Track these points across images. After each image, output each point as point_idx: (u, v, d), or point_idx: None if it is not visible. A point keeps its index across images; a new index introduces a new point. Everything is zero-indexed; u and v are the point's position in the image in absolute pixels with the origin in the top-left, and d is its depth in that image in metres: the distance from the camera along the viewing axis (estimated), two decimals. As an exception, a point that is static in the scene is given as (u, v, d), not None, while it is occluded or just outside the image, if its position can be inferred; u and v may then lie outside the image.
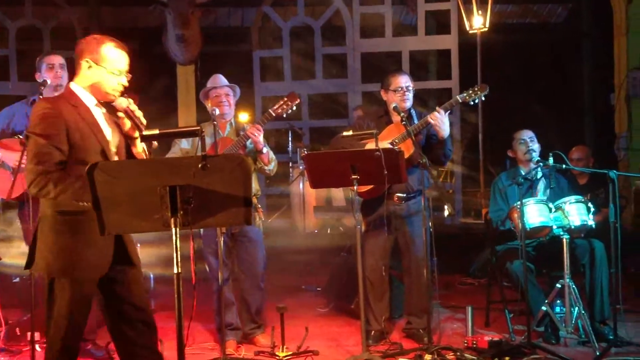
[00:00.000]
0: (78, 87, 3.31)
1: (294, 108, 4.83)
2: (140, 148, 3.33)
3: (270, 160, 4.86)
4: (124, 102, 3.26)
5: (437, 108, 4.79)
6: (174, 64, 9.23)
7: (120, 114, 3.28)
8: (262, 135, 4.72)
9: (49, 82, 4.62)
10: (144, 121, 3.26)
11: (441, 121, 4.74)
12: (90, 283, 3.25)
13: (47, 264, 3.19)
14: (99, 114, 3.31)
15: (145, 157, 3.33)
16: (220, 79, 5.00)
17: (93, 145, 3.20)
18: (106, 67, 3.28)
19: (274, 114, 4.77)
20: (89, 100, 3.30)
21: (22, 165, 4.28)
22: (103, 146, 3.24)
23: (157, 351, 3.41)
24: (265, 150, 4.78)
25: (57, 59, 4.77)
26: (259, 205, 4.98)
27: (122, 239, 3.27)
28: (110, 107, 3.36)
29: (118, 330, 3.37)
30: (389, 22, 9.83)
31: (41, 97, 4.52)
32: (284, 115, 4.84)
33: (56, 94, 4.73)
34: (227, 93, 4.93)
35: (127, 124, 3.28)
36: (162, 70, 9.66)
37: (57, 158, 3.09)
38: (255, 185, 4.90)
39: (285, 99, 4.81)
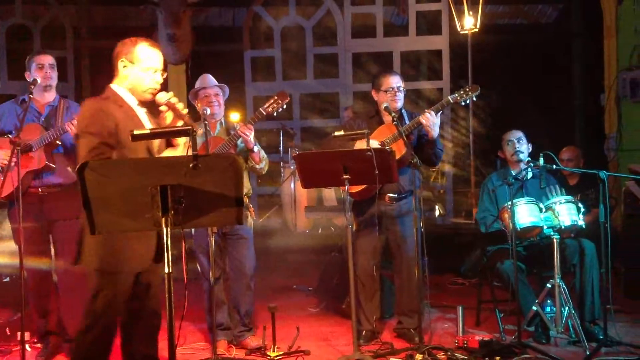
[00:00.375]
0: (119, 87, 3.43)
1: (284, 107, 4.81)
2: (181, 141, 3.40)
3: (261, 159, 4.86)
4: (164, 96, 3.37)
5: (427, 110, 4.80)
6: (165, 63, 9.20)
7: (162, 108, 3.37)
8: (252, 134, 4.71)
9: (39, 81, 4.60)
10: (185, 111, 3.34)
11: (432, 122, 4.75)
12: (132, 276, 3.35)
13: (97, 258, 3.27)
14: (142, 114, 3.44)
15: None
16: (209, 79, 4.99)
17: (139, 144, 3.29)
18: (140, 65, 3.40)
19: (264, 113, 4.76)
20: (131, 100, 3.43)
21: (12, 164, 4.26)
22: (148, 144, 3.33)
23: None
24: (256, 149, 4.77)
25: (47, 59, 4.73)
26: (251, 205, 4.98)
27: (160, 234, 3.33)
28: (150, 107, 3.48)
29: (129, 324, 3.47)
30: (380, 23, 9.84)
31: (31, 95, 4.50)
32: (275, 114, 4.84)
33: (46, 94, 4.72)
34: (216, 93, 4.92)
35: (169, 117, 3.38)
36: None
37: (108, 155, 3.19)
38: (247, 185, 4.90)
39: (276, 97, 4.80)
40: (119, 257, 3.28)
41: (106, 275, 3.30)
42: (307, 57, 9.91)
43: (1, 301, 5.67)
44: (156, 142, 3.42)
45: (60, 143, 4.63)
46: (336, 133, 4.72)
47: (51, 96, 4.77)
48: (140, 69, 3.41)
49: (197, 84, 5.01)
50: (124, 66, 3.42)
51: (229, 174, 2.60)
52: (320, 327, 5.53)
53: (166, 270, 2.63)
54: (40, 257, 4.67)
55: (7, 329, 5.10)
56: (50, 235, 4.70)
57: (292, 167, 8.54)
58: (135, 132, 2.85)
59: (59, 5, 10.00)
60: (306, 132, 9.89)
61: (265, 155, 4.93)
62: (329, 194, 8.49)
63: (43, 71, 4.68)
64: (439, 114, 4.82)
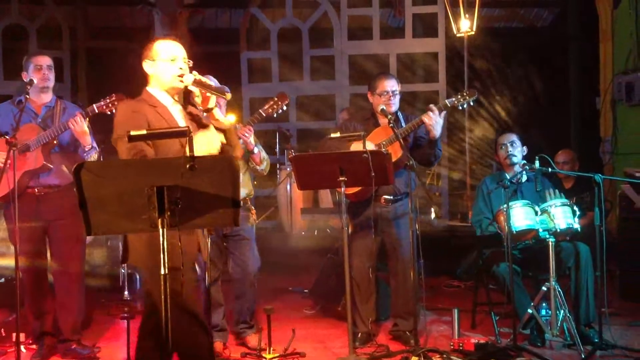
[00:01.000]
0: (152, 88, 3.51)
1: (284, 108, 4.82)
2: (219, 115, 3.45)
3: (262, 160, 4.87)
4: (190, 78, 3.41)
5: (432, 107, 4.80)
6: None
7: (192, 89, 3.41)
8: (253, 136, 4.71)
9: (35, 81, 4.59)
10: (215, 84, 3.40)
11: (435, 121, 4.76)
12: (177, 274, 3.29)
13: (140, 256, 3.31)
14: (177, 112, 3.48)
15: (226, 125, 3.44)
16: (211, 81, 4.98)
17: (172, 142, 3.33)
18: (160, 58, 3.47)
19: (264, 114, 4.76)
20: (166, 100, 3.49)
21: (8, 165, 4.25)
22: (182, 142, 3.34)
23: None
24: (256, 150, 4.77)
25: (45, 60, 4.72)
26: (252, 206, 4.98)
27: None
28: (186, 105, 3.55)
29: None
30: (377, 25, 9.85)
31: (27, 96, 4.49)
32: (274, 115, 4.84)
33: (42, 95, 4.71)
34: None
35: (199, 99, 3.41)
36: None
37: (148, 153, 3.23)
38: (248, 186, 4.93)
39: (276, 99, 4.80)
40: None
41: (152, 274, 3.31)
42: (303, 58, 9.92)
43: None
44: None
45: (57, 143, 4.63)
46: (332, 135, 4.73)
47: (48, 97, 4.76)
48: (161, 62, 3.47)
49: None
50: (149, 66, 3.51)
51: (225, 175, 2.60)
52: (316, 329, 5.53)
53: (162, 272, 2.63)
54: (36, 258, 4.66)
55: (2, 330, 5.09)
56: (47, 235, 4.69)
57: (288, 169, 8.54)
58: (132, 133, 2.85)
59: (56, 5, 9.99)
60: (302, 133, 9.89)
61: (266, 156, 4.94)
62: (325, 195, 8.49)
63: (41, 72, 4.67)
64: (443, 113, 4.82)
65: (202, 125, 3.47)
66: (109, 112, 4.54)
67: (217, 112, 3.46)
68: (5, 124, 4.67)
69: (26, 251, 4.55)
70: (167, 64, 3.48)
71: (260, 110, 4.78)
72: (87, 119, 4.55)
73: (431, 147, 4.90)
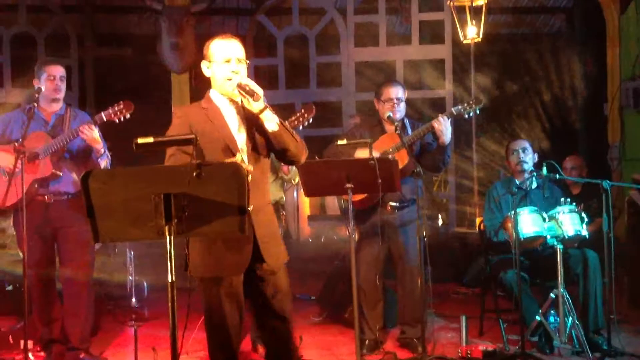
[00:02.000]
0: (213, 91, 3.50)
1: (311, 120, 4.68)
2: (269, 118, 3.36)
3: (290, 170, 4.89)
4: (235, 81, 3.37)
5: (440, 115, 4.80)
6: (168, 71, 9.23)
7: (240, 92, 3.36)
8: None
9: (43, 89, 4.60)
10: (256, 90, 3.32)
11: (445, 127, 4.76)
12: (230, 282, 3.40)
13: (194, 266, 3.35)
14: (230, 112, 3.46)
15: (282, 128, 3.40)
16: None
17: (216, 143, 3.35)
18: (214, 60, 3.45)
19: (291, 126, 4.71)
20: (221, 101, 3.47)
21: (17, 170, 4.27)
22: (227, 142, 3.37)
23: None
24: None
25: (59, 71, 4.72)
26: (283, 212, 4.98)
27: (261, 239, 3.40)
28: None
29: (261, 323, 3.60)
30: (383, 32, 9.86)
31: (36, 104, 4.51)
32: (300, 128, 4.75)
33: (53, 104, 4.72)
34: None
35: (246, 101, 3.37)
36: (156, 78, 9.66)
37: (184, 160, 3.26)
38: (279, 193, 4.94)
39: (303, 111, 4.66)
40: (209, 264, 3.39)
41: (205, 282, 3.43)
42: (310, 65, 9.93)
43: (4, 309, 5.67)
44: (241, 141, 3.43)
45: (66, 150, 4.64)
46: (339, 142, 4.73)
47: (58, 106, 4.77)
48: (215, 64, 3.46)
49: None
50: (207, 67, 3.50)
51: (232, 182, 2.60)
52: (323, 336, 5.52)
53: (169, 279, 2.62)
54: (45, 265, 4.67)
55: (10, 337, 5.09)
56: (56, 243, 4.69)
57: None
58: (139, 140, 2.85)
59: (63, 13, 10.04)
60: (309, 140, 9.84)
61: (293, 168, 4.94)
62: (332, 202, 8.50)
63: (54, 83, 4.66)
64: (450, 120, 4.82)
65: (260, 128, 3.43)
66: (117, 121, 4.55)
67: (264, 116, 3.37)
68: (17, 131, 4.68)
69: (35, 258, 4.57)
70: (219, 66, 3.44)
71: (285, 122, 4.73)
72: (97, 126, 4.56)
73: (441, 152, 4.90)
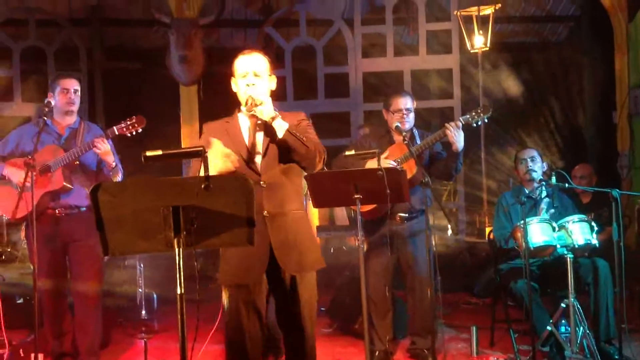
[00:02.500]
0: (242, 107, 3.57)
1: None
2: (278, 127, 3.42)
3: None
4: (247, 94, 3.46)
5: (451, 123, 4.80)
6: (177, 84, 9.27)
7: (248, 102, 3.46)
8: None
9: (53, 103, 4.62)
10: (258, 101, 3.42)
11: (456, 133, 4.75)
12: (248, 289, 3.45)
13: (220, 274, 3.50)
14: (247, 124, 3.54)
15: (295, 139, 3.43)
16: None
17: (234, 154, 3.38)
18: (236, 75, 3.54)
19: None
20: (242, 114, 3.57)
21: (27, 184, 4.29)
22: (241, 154, 3.44)
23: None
24: None
25: (73, 84, 4.74)
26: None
27: (276, 245, 3.43)
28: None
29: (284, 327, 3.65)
30: (391, 42, 9.88)
31: (45, 118, 4.53)
32: None
33: (67, 117, 4.74)
34: None
35: (258, 112, 3.45)
36: (165, 91, 9.71)
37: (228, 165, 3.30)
38: None
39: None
40: (226, 271, 3.50)
41: (226, 289, 3.51)
42: (318, 76, 9.95)
43: (15, 322, 5.68)
44: (257, 151, 3.50)
45: (78, 164, 4.64)
46: (346, 152, 4.72)
47: (72, 119, 4.78)
48: (238, 79, 3.55)
49: None
50: (233, 83, 3.59)
51: (240, 194, 2.60)
52: (333, 347, 5.51)
53: (178, 291, 2.63)
54: (56, 278, 4.67)
55: (21, 350, 5.11)
56: (67, 256, 4.70)
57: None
58: (148, 153, 2.86)
59: (72, 27, 10.11)
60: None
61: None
62: (341, 213, 8.47)
63: (67, 96, 4.69)
64: (461, 127, 4.82)
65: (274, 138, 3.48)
66: (129, 135, 4.56)
67: (275, 124, 3.45)
68: (29, 144, 4.70)
69: (46, 271, 4.58)
70: (240, 81, 3.53)
71: None
72: (109, 140, 4.57)
73: (453, 159, 4.89)
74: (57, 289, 4.69)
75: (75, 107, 4.75)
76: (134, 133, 4.55)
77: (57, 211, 4.63)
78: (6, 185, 4.65)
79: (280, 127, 3.42)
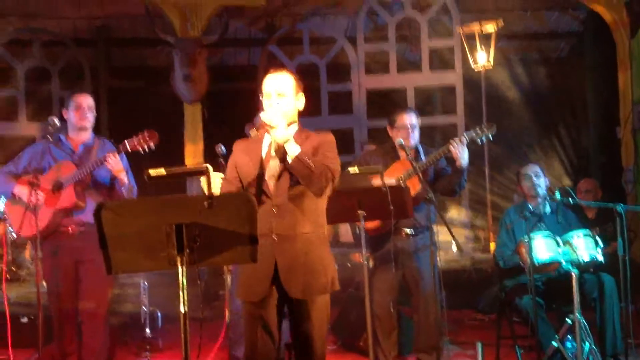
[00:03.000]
0: None
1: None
2: (289, 150, 3.43)
3: None
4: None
5: (455, 139, 4.80)
6: (181, 102, 9.31)
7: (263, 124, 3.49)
8: None
9: (57, 122, 4.61)
10: (273, 122, 3.42)
11: (462, 150, 4.76)
12: (254, 306, 3.50)
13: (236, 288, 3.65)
14: (267, 144, 3.57)
15: (302, 164, 3.42)
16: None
17: (250, 174, 3.50)
18: (263, 94, 3.58)
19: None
20: (266, 134, 3.57)
21: (38, 202, 4.28)
22: (257, 173, 3.49)
23: None
24: None
25: (86, 100, 4.74)
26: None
27: (282, 268, 3.44)
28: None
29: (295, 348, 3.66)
30: (394, 59, 9.92)
31: (49, 137, 4.54)
32: None
33: (81, 133, 4.74)
34: None
35: (273, 133, 3.46)
36: (169, 109, 9.75)
37: (229, 189, 3.45)
38: None
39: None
40: (238, 286, 3.62)
41: (242, 304, 3.63)
42: (321, 94, 9.99)
43: (20, 341, 5.67)
44: (270, 173, 3.51)
45: (91, 180, 4.62)
46: (350, 169, 4.73)
47: (86, 135, 4.77)
48: (263, 99, 3.59)
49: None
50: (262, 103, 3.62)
51: (243, 212, 2.61)
52: (338, 364, 5.48)
53: (182, 310, 2.63)
54: (67, 297, 4.63)
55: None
56: (77, 275, 4.65)
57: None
58: (151, 172, 2.88)
59: (77, 46, 10.18)
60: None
61: None
62: (345, 229, 8.47)
63: (80, 112, 4.69)
64: (465, 144, 4.82)
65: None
66: (141, 150, 4.52)
67: (286, 147, 3.45)
68: (44, 161, 4.70)
69: (57, 290, 4.56)
70: (265, 101, 3.57)
71: None
72: (121, 155, 4.53)
73: (457, 176, 4.89)
74: (67, 307, 4.65)
75: (89, 124, 4.74)
76: (147, 149, 4.51)
77: (70, 228, 4.60)
78: (17, 204, 4.63)
79: (291, 152, 3.43)
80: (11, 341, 4.78)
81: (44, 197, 4.51)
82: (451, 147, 4.77)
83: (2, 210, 5.91)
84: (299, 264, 3.46)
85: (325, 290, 3.54)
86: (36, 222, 4.30)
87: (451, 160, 4.90)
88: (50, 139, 4.56)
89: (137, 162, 4.68)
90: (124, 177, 4.56)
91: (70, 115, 4.69)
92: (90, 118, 4.75)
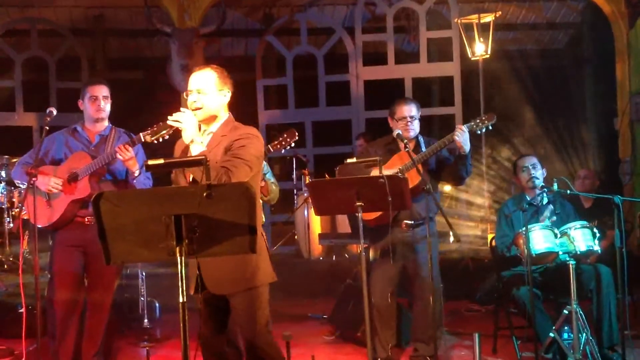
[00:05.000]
0: None
1: (292, 145, 4.94)
2: (194, 151, 3.49)
3: (269, 192, 4.89)
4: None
5: (458, 126, 4.80)
6: (178, 93, 9.30)
7: None
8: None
9: (54, 112, 4.58)
10: (175, 123, 3.58)
11: (465, 137, 4.75)
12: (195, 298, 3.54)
13: None
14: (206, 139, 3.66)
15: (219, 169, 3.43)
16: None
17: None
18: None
19: (272, 150, 4.84)
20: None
21: (55, 193, 4.30)
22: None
23: None
24: (262, 183, 4.79)
25: (102, 90, 4.67)
26: (264, 234, 4.98)
27: (202, 263, 3.45)
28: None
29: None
30: (392, 50, 9.91)
31: (47, 127, 4.51)
32: (282, 152, 4.91)
33: (97, 124, 4.69)
34: None
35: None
36: (166, 99, 9.73)
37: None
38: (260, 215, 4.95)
39: (285, 135, 4.92)
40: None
41: None
42: (319, 85, 9.98)
43: (18, 332, 5.67)
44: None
45: (107, 171, 4.59)
46: (348, 160, 4.72)
47: (102, 126, 4.71)
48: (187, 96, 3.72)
49: None
50: None
51: (242, 202, 2.61)
52: (335, 355, 5.50)
53: (180, 300, 2.64)
54: (75, 288, 4.60)
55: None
56: (86, 266, 4.62)
57: (305, 195, 8.55)
58: (150, 162, 2.88)
59: (74, 37, 10.15)
60: (319, 159, 9.91)
61: (274, 187, 4.96)
62: (343, 220, 8.48)
63: (96, 103, 4.62)
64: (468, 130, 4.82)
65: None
66: (155, 142, 4.46)
67: (192, 147, 3.53)
68: (59, 152, 4.68)
69: (65, 281, 4.55)
70: (188, 97, 3.69)
71: (268, 146, 4.83)
72: (134, 147, 4.47)
73: (463, 162, 4.88)
74: (74, 298, 4.64)
75: (104, 114, 4.68)
76: (162, 140, 4.46)
77: (86, 219, 4.57)
78: (38, 195, 4.59)
79: (194, 152, 3.50)
80: (9, 331, 4.78)
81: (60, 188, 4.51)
82: (455, 138, 4.75)
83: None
84: (217, 260, 3.36)
85: (237, 287, 3.54)
86: (34, 213, 4.29)
87: (453, 149, 4.90)
88: (48, 130, 4.53)
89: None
90: (135, 169, 4.53)
91: (86, 106, 4.65)
92: (106, 108, 4.68)
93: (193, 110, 3.58)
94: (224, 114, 3.70)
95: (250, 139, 3.54)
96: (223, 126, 3.65)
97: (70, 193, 4.50)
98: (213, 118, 3.65)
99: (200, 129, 3.62)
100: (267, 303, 3.62)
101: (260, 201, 4.86)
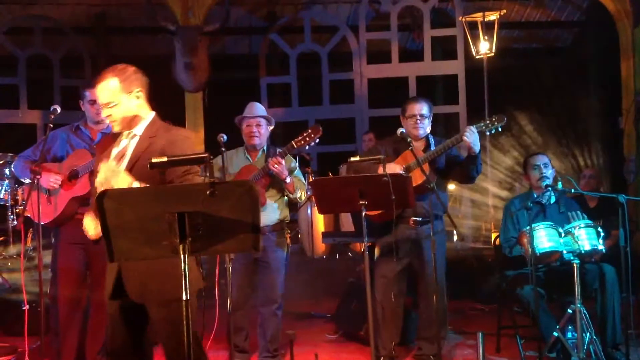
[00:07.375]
0: None
1: (317, 141, 4.83)
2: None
3: (295, 189, 4.89)
4: None
5: (467, 127, 4.78)
6: (182, 90, 9.30)
7: None
8: (284, 166, 4.73)
9: (58, 110, 4.59)
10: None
11: (475, 137, 4.74)
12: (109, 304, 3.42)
13: None
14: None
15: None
16: (255, 108, 5.04)
17: None
18: None
19: (295, 146, 4.78)
20: None
21: (55, 188, 4.29)
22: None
23: None
24: (289, 180, 4.79)
25: None
26: (288, 231, 4.98)
27: (124, 267, 3.27)
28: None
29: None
30: (396, 48, 9.89)
31: (51, 125, 4.52)
32: (307, 148, 4.82)
33: (99, 125, 4.70)
34: (258, 123, 4.98)
35: None
36: (170, 97, 9.73)
37: None
38: (284, 212, 4.96)
39: (310, 131, 4.82)
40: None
41: None
42: (322, 83, 9.97)
43: (21, 329, 5.68)
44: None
45: None
46: (352, 158, 4.71)
47: (104, 125, 4.69)
48: None
49: (244, 112, 5.07)
50: None
51: (245, 200, 2.60)
52: (339, 353, 5.49)
53: (183, 297, 2.63)
54: (76, 285, 4.60)
55: (27, 357, 5.09)
56: (88, 264, 4.62)
57: (308, 193, 8.53)
58: (154, 160, 2.88)
59: (77, 35, 10.15)
60: (323, 157, 9.91)
61: (302, 185, 4.95)
62: (347, 218, 8.47)
63: (95, 107, 4.60)
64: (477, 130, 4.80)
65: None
66: None
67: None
68: (62, 149, 4.68)
69: (67, 279, 4.55)
70: None
71: (292, 142, 4.79)
72: None
73: (473, 162, 4.85)
74: (78, 296, 4.63)
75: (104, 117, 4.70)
76: None
77: None
78: (38, 191, 4.59)
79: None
80: (12, 329, 4.77)
81: (61, 185, 4.52)
82: (465, 138, 4.73)
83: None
84: (140, 267, 3.23)
85: (158, 297, 3.28)
86: (39, 211, 4.29)
87: (462, 148, 4.88)
88: (52, 127, 4.53)
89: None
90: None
91: (86, 108, 4.66)
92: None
93: (110, 122, 3.50)
94: (147, 113, 3.54)
95: (187, 142, 3.42)
96: (149, 127, 3.49)
97: (70, 190, 4.51)
98: (134, 119, 3.49)
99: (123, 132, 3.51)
100: (195, 314, 3.30)
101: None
